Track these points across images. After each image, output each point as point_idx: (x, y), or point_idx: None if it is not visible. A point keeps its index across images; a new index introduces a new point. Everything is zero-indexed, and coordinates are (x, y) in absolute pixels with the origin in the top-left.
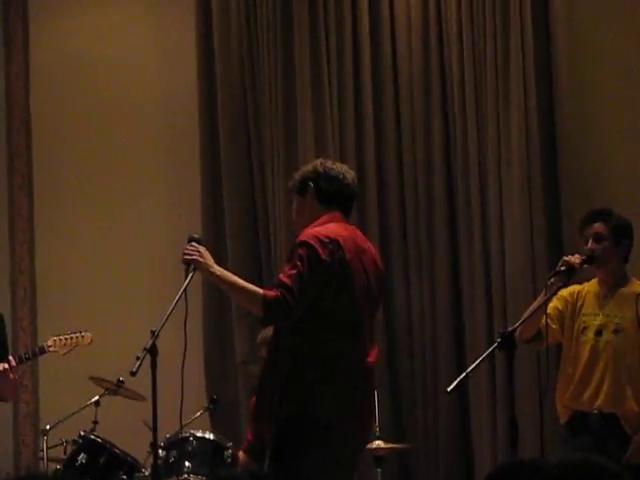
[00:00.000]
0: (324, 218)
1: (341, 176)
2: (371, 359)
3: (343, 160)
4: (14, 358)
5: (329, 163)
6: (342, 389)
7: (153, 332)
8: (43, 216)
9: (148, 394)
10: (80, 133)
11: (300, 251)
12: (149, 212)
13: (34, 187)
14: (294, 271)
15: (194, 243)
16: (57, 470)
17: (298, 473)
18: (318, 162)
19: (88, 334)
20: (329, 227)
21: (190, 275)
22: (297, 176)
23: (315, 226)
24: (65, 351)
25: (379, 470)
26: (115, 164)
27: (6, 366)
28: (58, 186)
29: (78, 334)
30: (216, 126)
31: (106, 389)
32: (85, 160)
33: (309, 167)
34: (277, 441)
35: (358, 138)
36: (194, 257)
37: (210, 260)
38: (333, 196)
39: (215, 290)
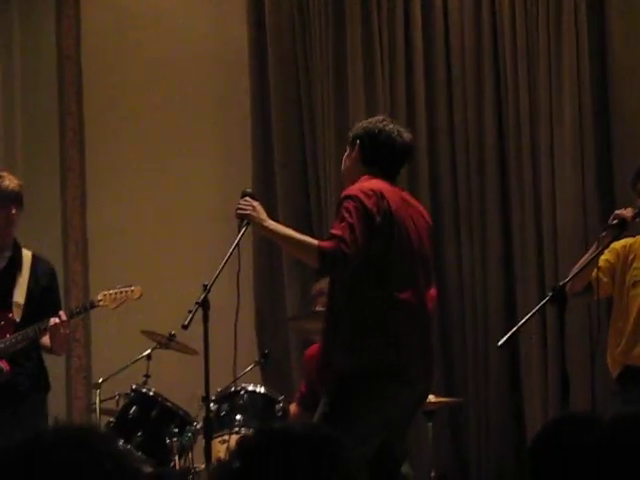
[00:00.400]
0: (365, 178)
1: (391, 142)
2: (429, 304)
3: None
4: (65, 313)
5: (384, 125)
6: (397, 340)
7: (205, 286)
8: (94, 171)
9: (200, 348)
10: (131, 88)
11: (347, 204)
12: (200, 167)
13: (85, 142)
14: (344, 223)
15: (248, 197)
16: (109, 423)
17: (354, 427)
18: (375, 121)
19: (138, 287)
20: (372, 183)
21: (243, 229)
22: (353, 129)
23: (360, 183)
24: (115, 305)
25: (430, 424)
26: (166, 119)
27: (57, 320)
28: (109, 141)
29: (128, 288)
30: (267, 82)
31: (158, 343)
32: (136, 115)
33: (365, 124)
34: (333, 394)
35: (409, 98)
36: (247, 211)
37: (263, 214)
38: (377, 161)
39: (266, 245)
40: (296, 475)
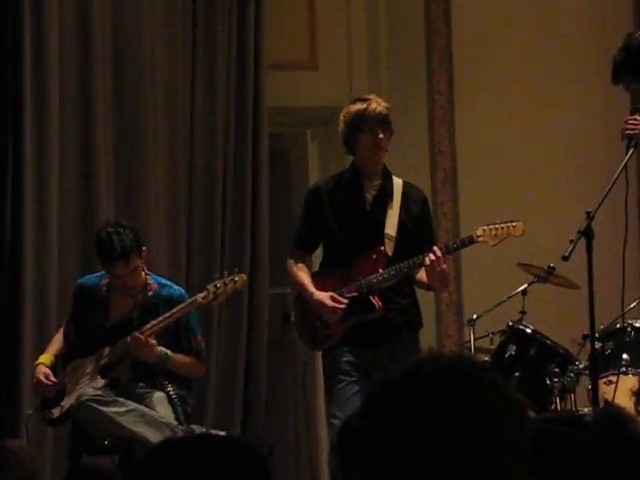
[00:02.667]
0: None
1: None
2: None
3: None
4: (440, 248)
5: None
6: None
7: (589, 213)
8: (463, 93)
9: (581, 281)
10: (502, 6)
11: None
12: (578, 84)
13: (453, 63)
14: None
15: (637, 115)
16: (486, 362)
17: None
18: None
19: (520, 224)
20: None
21: (631, 150)
22: None
23: None
24: (495, 242)
25: None
26: (537, 39)
27: (432, 257)
28: (478, 61)
29: (509, 224)
30: None
31: (535, 276)
32: (506, 34)
33: None
34: None
35: None
36: (637, 131)
37: None
38: None
39: None
40: None
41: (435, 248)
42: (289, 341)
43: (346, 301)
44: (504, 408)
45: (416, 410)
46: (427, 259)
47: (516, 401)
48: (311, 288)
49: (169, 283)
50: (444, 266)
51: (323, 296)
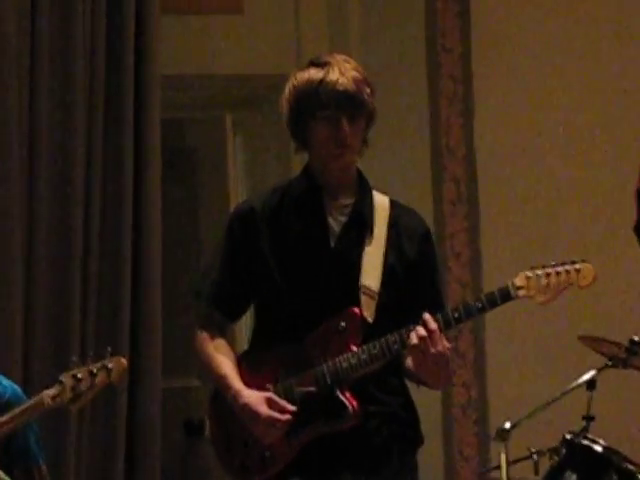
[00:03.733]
0: None
1: None
2: None
3: None
4: (435, 319)
5: None
6: None
7: None
8: (486, 55)
9: None
10: None
11: None
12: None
13: (471, 8)
14: None
15: None
16: None
17: None
18: None
19: (588, 267)
20: None
21: None
22: None
23: None
24: (546, 298)
25: None
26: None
27: (421, 332)
28: (502, 39)
29: (570, 267)
30: None
31: (610, 357)
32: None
33: None
34: None
35: None
36: None
37: None
38: None
39: None
40: None
41: (427, 317)
42: (200, 467)
43: (293, 408)
44: None
45: None
46: (413, 335)
47: None
48: (236, 384)
49: None
50: (442, 347)
51: (255, 399)
